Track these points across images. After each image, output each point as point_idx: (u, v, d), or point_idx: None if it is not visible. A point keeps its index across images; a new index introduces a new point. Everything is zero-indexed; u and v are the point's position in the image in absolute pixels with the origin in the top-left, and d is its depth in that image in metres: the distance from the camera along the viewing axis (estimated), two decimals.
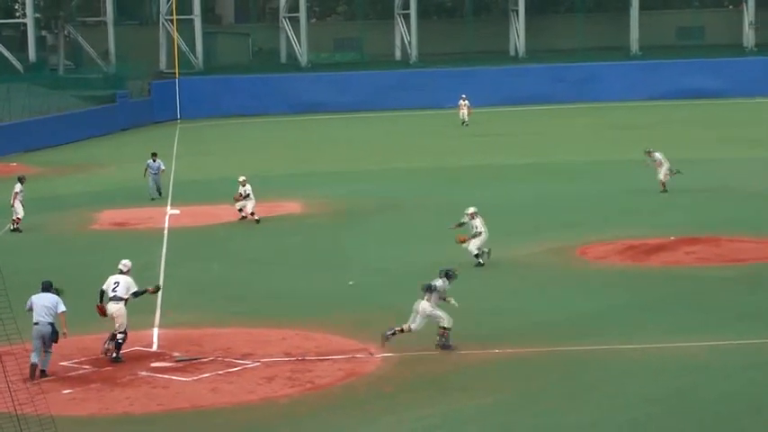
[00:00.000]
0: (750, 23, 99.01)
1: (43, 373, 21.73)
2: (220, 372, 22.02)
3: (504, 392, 20.29)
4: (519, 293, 28.36)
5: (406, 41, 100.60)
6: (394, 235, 37.20)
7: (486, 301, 27.52)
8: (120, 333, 22.84)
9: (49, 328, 21.55)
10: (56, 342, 21.75)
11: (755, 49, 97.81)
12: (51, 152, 68.34)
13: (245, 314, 26.61)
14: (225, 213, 42.18)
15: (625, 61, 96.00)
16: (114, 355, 22.95)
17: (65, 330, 21.74)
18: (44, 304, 21.77)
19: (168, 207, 44.23)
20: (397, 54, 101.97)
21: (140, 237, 38.77)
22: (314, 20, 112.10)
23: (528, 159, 56.87)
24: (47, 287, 22.19)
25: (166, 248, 35.79)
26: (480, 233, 31.18)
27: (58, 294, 22.11)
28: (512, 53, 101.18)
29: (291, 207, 43.72)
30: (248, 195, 40.15)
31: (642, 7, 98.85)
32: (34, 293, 22.07)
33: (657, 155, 44.54)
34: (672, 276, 29.66)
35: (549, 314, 26.03)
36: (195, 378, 21.69)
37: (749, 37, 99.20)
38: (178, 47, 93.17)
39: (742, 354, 22.28)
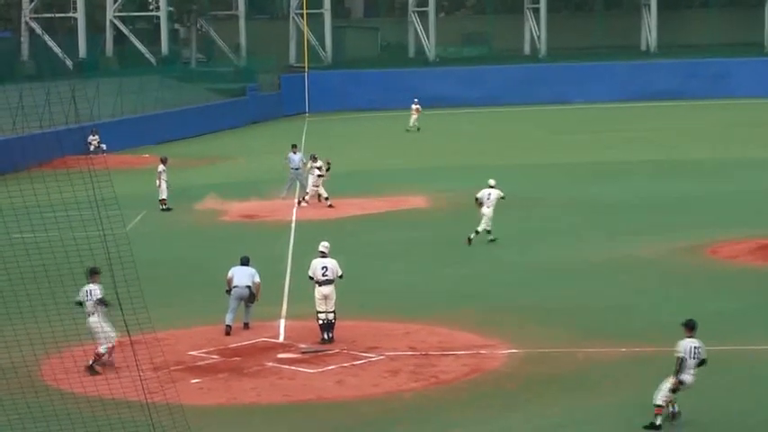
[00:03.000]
0: None
1: (246, 325, 24.76)
2: (345, 364, 22.18)
3: (628, 392, 20.04)
4: (647, 292, 27.98)
5: (535, 36, 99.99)
6: (518, 230, 37.01)
7: (613, 299, 27.27)
8: (331, 312, 23.79)
9: (246, 291, 24.57)
10: (252, 302, 24.76)
11: None
12: (182, 144, 69.39)
13: (369, 307, 26.72)
14: (350, 207, 42.51)
15: (759, 57, 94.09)
16: (328, 335, 23.73)
17: (258, 297, 24.78)
18: (244, 274, 24.85)
19: (296, 199, 44.54)
20: (526, 48, 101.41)
21: (268, 229, 39.20)
22: (442, 14, 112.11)
23: (657, 156, 56.09)
24: (245, 262, 25.23)
25: (294, 241, 36.14)
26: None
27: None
28: (643, 48, 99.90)
29: (417, 201, 43.80)
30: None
31: None
32: (234, 266, 25.08)
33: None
34: None
35: (678, 313, 25.50)
36: (321, 370, 21.87)
37: None
38: (308, 41, 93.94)
39: None
